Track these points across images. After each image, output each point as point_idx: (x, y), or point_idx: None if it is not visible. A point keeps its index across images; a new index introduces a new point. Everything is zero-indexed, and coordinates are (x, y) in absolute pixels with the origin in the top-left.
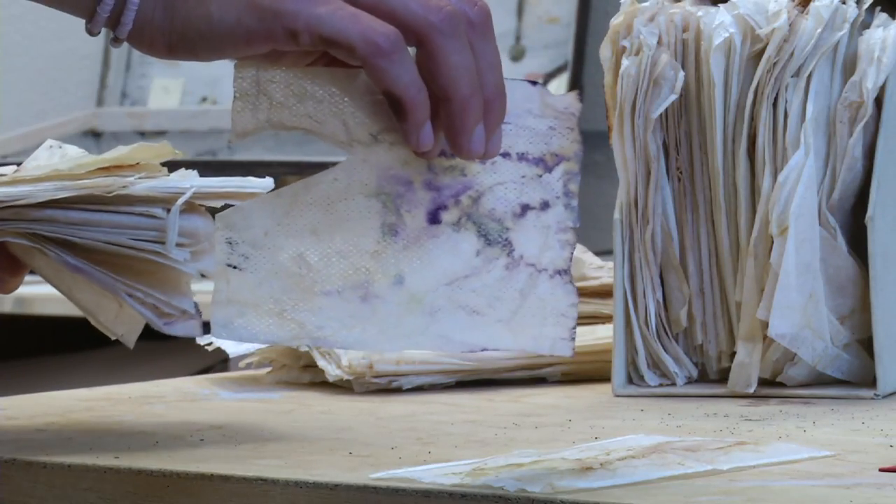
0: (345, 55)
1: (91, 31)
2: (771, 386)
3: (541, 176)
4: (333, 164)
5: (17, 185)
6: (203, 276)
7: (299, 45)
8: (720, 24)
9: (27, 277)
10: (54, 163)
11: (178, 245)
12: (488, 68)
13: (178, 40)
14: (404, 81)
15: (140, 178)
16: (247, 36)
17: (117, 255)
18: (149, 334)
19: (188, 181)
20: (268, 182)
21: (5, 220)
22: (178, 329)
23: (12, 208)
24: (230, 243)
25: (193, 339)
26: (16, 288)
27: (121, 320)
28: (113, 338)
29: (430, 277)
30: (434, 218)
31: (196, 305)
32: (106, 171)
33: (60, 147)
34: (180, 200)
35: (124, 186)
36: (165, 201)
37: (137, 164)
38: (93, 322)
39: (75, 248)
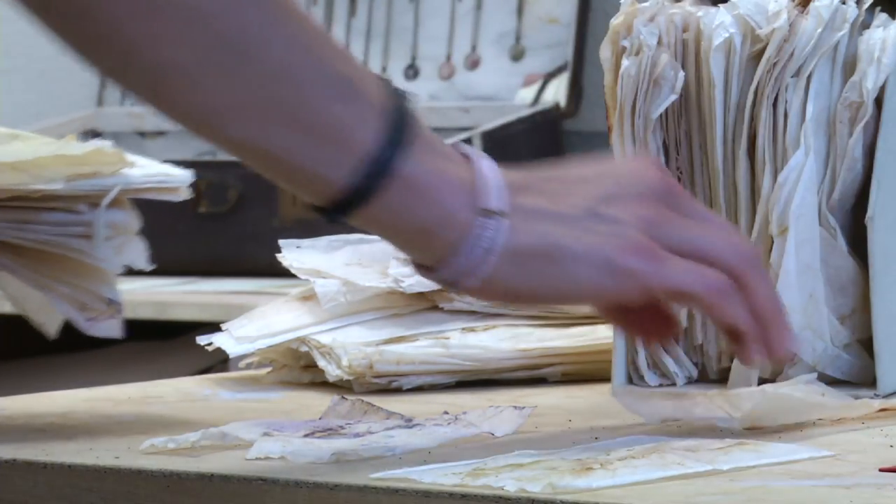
0: (686, 302)
1: (438, 279)
2: None
3: None
4: None
5: None
6: (129, 270)
7: (648, 299)
8: (720, 24)
9: None
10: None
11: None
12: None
13: (527, 294)
14: (743, 316)
15: (69, 177)
16: (598, 292)
17: (44, 252)
18: (149, 334)
19: (113, 179)
20: (187, 175)
21: None
22: (101, 329)
23: None
24: None
25: (194, 340)
26: None
27: (44, 310)
28: (37, 327)
29: None
30: None
31: (120, 302)
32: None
33: None
34: (105, 200)
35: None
36: (90, 198)
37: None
38: (18, 310)
39: (3, 245)
